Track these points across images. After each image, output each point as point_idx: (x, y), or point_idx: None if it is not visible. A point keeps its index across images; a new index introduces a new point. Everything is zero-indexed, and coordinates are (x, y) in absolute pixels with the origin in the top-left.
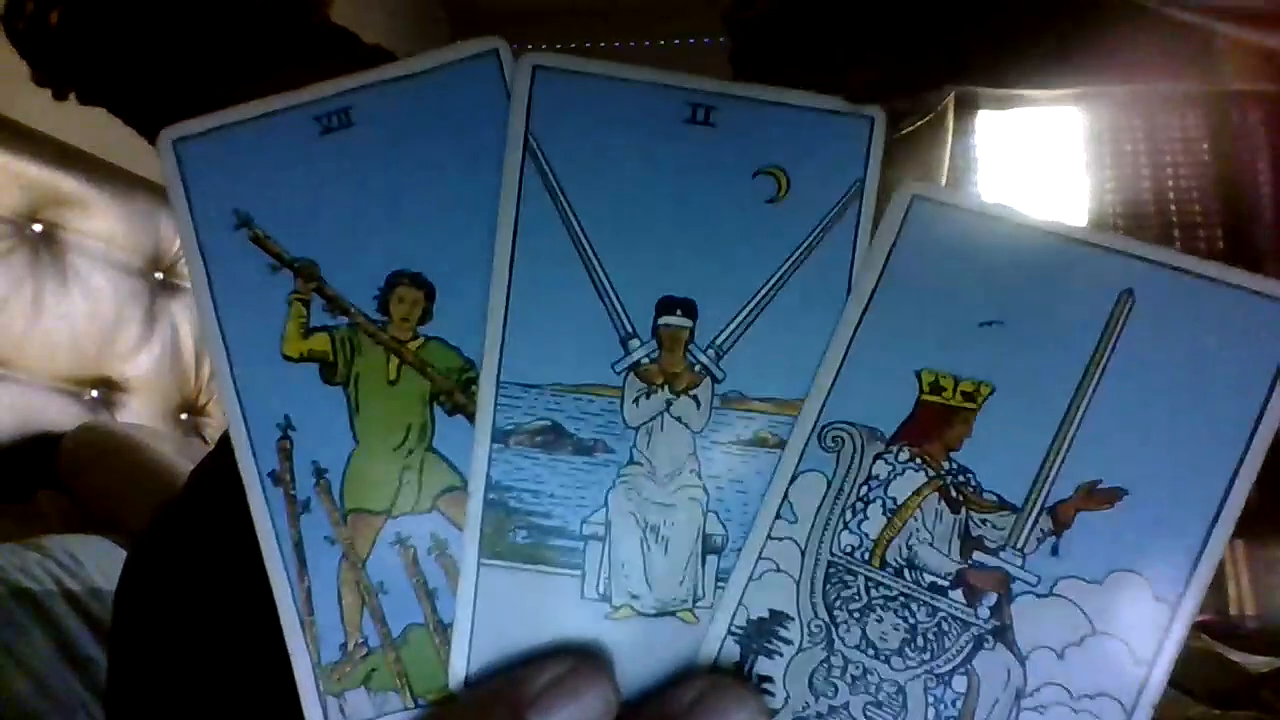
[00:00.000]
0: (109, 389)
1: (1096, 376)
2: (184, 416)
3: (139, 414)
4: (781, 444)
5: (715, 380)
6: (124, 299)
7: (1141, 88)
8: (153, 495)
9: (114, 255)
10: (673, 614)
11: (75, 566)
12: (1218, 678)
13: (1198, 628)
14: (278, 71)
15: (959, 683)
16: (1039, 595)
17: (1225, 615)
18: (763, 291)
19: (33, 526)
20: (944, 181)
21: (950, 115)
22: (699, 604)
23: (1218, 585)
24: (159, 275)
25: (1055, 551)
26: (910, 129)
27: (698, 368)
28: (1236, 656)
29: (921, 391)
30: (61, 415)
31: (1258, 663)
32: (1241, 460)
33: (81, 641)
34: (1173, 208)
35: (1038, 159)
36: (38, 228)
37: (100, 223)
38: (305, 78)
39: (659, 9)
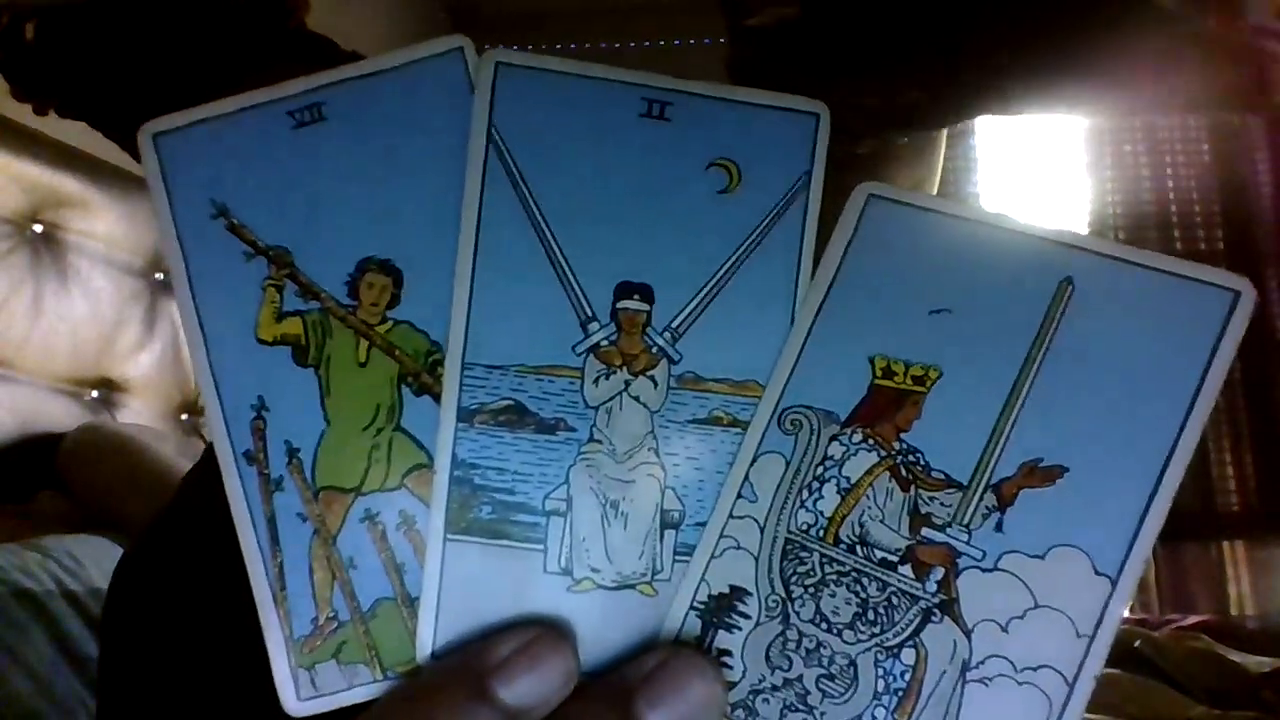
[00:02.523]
0: (109, 389)
1: (1038, 360)
2: (184, 417)
3: (139, 414)
4: (736, 422)
5: (672, 361)
6: (124, 299)
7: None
8: (153, 495)
9: (114, 255)
10: (632, 587)
11: (75, 566)
12: (1218, 678)
13: (1198, 628)
14: (254, 79)
15: (907, 655)
16: (984, 570)
17: (1225, 615)
18: (716, 277)
19: (33, 526)
20: (936, 184)
21: None
22: (657, 577)
23: (1218, 585)
24: (159, 275)
25: (999, 527)
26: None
27: (655, 349)
28: (1236, 656)
29: (874, 376)
30: (61, 415)
31: (1258, 663)
32: (1177, 440)
33: (81, 641)
34: (1173, 208)
35: (1038, 160)
36: (38, 228)
37: (101, 223)
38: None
39: (659, 10)
